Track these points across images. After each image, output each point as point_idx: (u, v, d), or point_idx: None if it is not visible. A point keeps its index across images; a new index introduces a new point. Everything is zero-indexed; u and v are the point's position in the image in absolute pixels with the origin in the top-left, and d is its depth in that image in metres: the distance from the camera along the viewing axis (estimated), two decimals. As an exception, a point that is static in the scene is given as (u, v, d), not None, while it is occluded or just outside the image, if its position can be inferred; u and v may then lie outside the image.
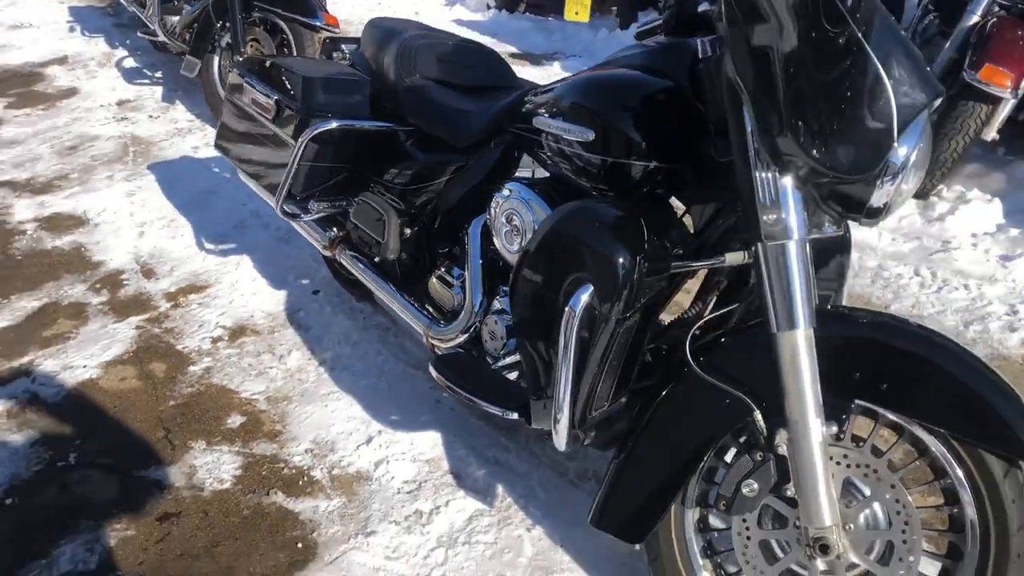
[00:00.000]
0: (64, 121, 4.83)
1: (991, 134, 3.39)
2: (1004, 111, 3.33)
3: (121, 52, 6.10)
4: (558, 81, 1.93)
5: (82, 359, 2.71)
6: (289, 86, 2.38)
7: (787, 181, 1.42)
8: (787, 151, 1.36)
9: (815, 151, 1.36)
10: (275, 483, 2.21)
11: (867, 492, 1.51)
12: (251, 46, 4.27)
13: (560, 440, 1.63)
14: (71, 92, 5.34)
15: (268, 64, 2.51)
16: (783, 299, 1.43)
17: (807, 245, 1.46)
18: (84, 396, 2.54)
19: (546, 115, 1.82)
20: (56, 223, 3.63)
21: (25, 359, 2.71)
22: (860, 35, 1.34)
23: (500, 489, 2.16)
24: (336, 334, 2.82)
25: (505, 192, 1.94)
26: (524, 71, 5.47)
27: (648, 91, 1.69)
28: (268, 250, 3.31)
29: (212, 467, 2.26)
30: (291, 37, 4.23)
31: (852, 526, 1.51)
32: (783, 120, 1.34)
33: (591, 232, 1.60)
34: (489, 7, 6.69)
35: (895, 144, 1.37)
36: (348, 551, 2.00)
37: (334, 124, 2.29)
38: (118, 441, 2.35)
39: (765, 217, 1.43)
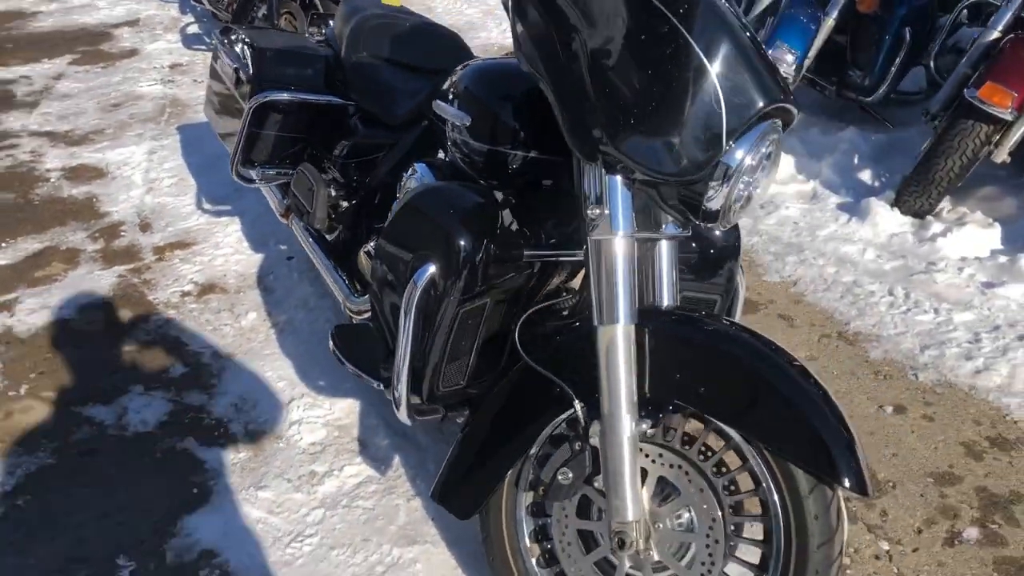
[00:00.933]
0: (117, 79, 5.11)
1: (1002, 156, 3.24)
2: (1017, 133, 3.18)
3: (188, 18, 6.39)
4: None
5: (60, 300, 2.90)
6: (247, 56, 2.49)
7: (616, 178, 1.43)
8: (603, 149, 1.37)
9: (631, 150, 1.36)
10: (193, 431, 2.33)
11: (680, 493, 1.52)
12: (285, 18, 4.42)
13: (399, 411, 1.69)
14: (132, 53, 5.63)
15: (237, 33, 2.63)
16: (605, 293, 1.44)
17: (635, 243, 1.47)
18: (50, 334, 2.73)
19: (443, 99, 1.87)
20: (78, 173, 3.87)
21: (11, 295, 2.92)
22: (682, 28, 1.33)
23: (396, 460, 2.23)
24: (296, 299, 2.93)
25: (410, 171, 1.99)
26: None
27: (529, 81, 1.71)
28: (257, 215, 3.44)
29: (142, 410, 2.40)
30: (322, 11, 4.37)
31: (661, 525, 1.52)
32: (590, 115, 1.35)
33: (439, 212, 1.64)
34: None
35: (724, 147, 1.36)
36: (237, 502, 2.10)
37: (280, 96, 2.39)
38: (67, 379, 2.52)
39: (590, 212, 1.45)
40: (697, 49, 1.33)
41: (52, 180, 3.80)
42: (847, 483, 1.34)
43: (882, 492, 2.14)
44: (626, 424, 1.44)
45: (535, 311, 1.70)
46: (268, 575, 1.91)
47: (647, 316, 1.50)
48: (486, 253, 1.59)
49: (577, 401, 1.51)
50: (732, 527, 1.50)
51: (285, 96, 2.39)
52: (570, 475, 1.55)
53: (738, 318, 1.94)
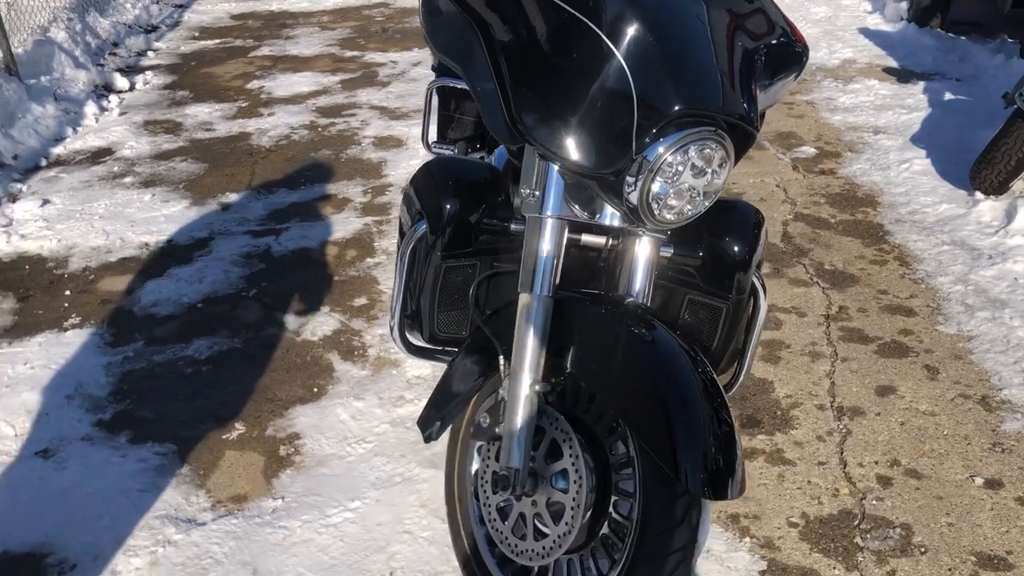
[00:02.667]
0: (459, 70, 5.92)
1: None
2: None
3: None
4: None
5: (315, 234, 3.62)
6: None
7: (550, 164, 1.59)
8: (523, 134, 1.54)
9: (546, 140, 1.52)
10: (340, 348, 2.84)
11: (561, 457, 1.64)
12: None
13: (395, 339, 1.99)
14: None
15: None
16: (530, 265, 1.62)
17: (564, 224, 1.61)
18: (296, 258, 3.44)
19: None
20: (384, 142, 4.65)
21: (284, 225, 3.72)
22: (593, 26, 1.43)
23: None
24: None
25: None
26: (878, 87, 5.18)
27: None
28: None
29: (317, 325, 2.97)
30: None
31: (544, 480, 1.65)
32: (505, 103, 1.52)
33: (440, 179, 1.90)
34: (902, 19, 6.27)
35: (633, 146, 1.47)
36: (336, 405, 2.56)
37: (448, 81, 2.76)
38: (281, 292, 3.19)
39: (524, 190, 1.63)
40: (610, 45, 1.43)
41: (363, 144, 4.62)
42: (681, 478, 1.39)
43: (907, 554, 1.95)
44: (524, 382, 1.60)
45: (493, 274, 1.89)
46: (323, 463, 2.34)
47: (568, 294, 1.64)
48: (470, 220, 1.81)
49: (502, 357, 1.70)
50: (594, 499, 1.59)
51: (449, 81, 2.76)
52: (488, 420, 1.75)
53: (756, 333, 1.92)
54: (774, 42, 1.65)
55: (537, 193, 1.60)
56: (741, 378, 2.00)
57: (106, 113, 5.09)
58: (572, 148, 1.52)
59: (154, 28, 7.00)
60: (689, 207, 1.56)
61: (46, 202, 3.91)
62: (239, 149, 4.56)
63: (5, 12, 5.05)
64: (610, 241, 1.74)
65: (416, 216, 1.93)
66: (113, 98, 5.30)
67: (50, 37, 5.52)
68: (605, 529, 1.64)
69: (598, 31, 1.45)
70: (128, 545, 2.07)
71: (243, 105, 5.22)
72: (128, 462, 2.34)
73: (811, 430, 2.38)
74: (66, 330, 2.97)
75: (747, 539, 2.04)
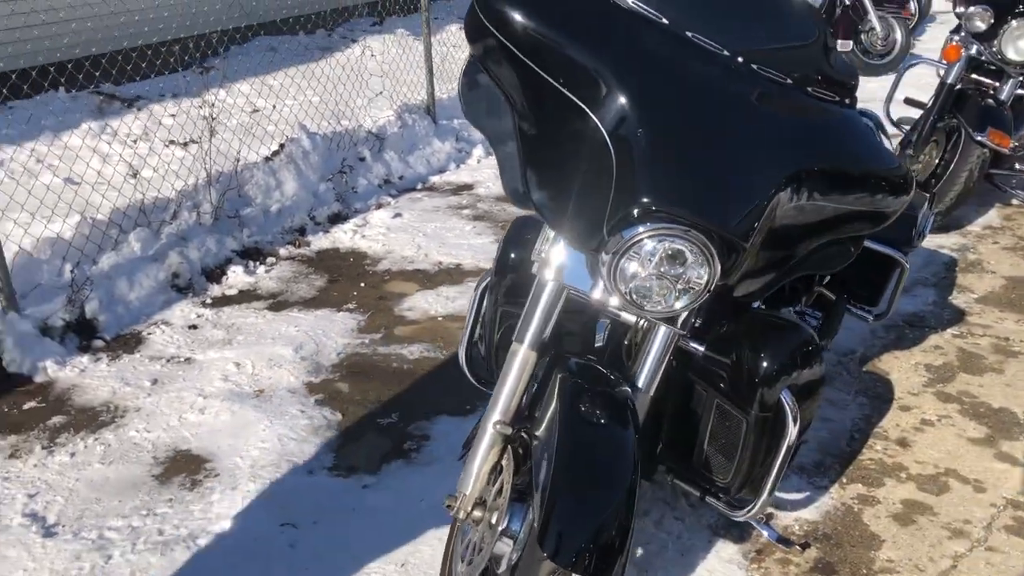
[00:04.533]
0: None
1: None
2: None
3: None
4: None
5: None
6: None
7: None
8: (528, 197, 1.72)
9: (540, 206, 1.69)
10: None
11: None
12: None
13: (463, 368, 2.25)
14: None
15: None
16: (525, 318, 1.77)
17: (564, 290, 1.73)
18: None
19: None
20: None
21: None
22: (598, 122, 1.57)
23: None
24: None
25: None
26: None
27: None
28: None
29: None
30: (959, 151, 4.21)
31: (486, 514, 1.79)
32: (518, 167, 1.71)
33: (512, 234, 2.13)
34: None
35: (602, 233, 1.58)
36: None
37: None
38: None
39: (536, 249, 1.83)
40: (602, 130, 1.55)
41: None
42: (541, 543, 1.49)
43: None
44: (491, 419, 1.77)
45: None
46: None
47: (552, 353, 1.78)
48: (530, 271, 2.00)
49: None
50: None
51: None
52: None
53: (780, 457, 1.85)
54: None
55: (542, 255, 1.77)
56: (757, 505, 1.92)
57: (490, 157, 5.98)
58: (563, 219, 1.65)
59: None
60: (672, 298, 1.58)
61: (397, 215, 4.81)
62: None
63: (438, 64, 6.22)
64: (640, 323, 1.84)
65: (493, 264, 2.20)
66: (504, 146, 6.20)
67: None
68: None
69: (596, 120, 1.57)
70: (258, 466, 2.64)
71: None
72: (302, 418, 2.92)
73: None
74: (341, 311, 3.71)
75: None
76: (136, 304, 3.65)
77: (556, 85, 1.62)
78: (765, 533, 2.21)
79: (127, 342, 3.44)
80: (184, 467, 2.68)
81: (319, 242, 4.45)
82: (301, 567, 2.26)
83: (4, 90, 5.05)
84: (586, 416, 1.64)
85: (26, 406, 3.01)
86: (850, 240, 1.89)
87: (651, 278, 1.57)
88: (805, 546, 2.29)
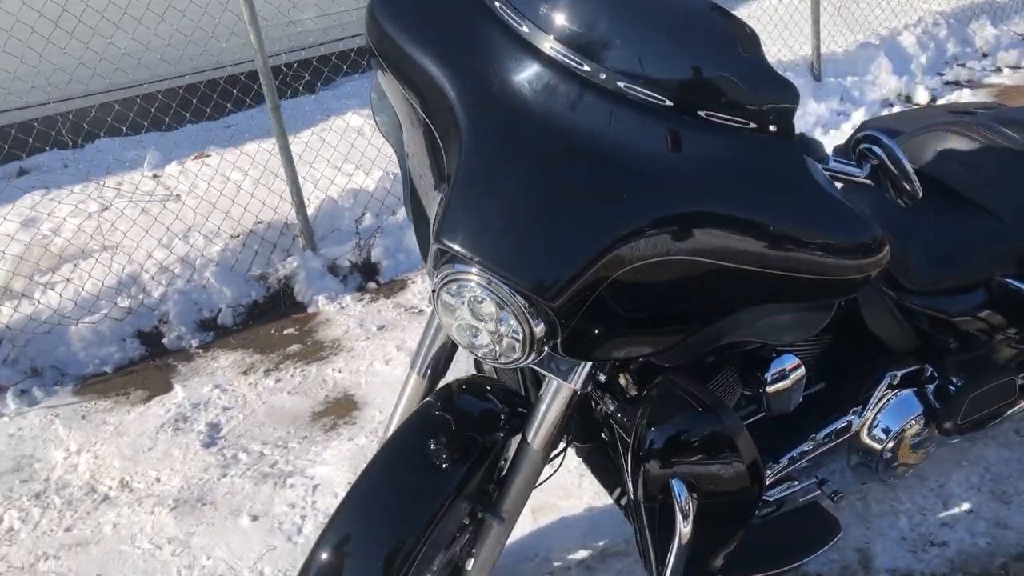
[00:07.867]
0: None
1: None
2: None
3: None
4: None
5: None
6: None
7: None
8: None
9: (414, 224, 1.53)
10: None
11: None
12: None
13: None
14: None
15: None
16: (419, 344, 1.69)
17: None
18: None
19: None
20: None
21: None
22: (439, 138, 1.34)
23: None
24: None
25: None
26: None
27: None
28: None
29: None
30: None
31: None
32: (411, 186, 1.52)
33: None
34: None
35: (425, 259, 1.41)
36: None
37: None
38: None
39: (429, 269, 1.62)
40: (443, 154, 1.33)
41: None
42: None
43: None
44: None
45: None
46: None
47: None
48: None
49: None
50: None
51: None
52: None
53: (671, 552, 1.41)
54: None
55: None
56: None
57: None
58: (424, 245, 1.50)
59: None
60: (503, 348, 1.30)
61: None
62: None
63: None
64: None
65: None
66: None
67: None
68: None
69: (439, 141, 1.35)
70: (381, 429, 2.72)
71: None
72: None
73: None
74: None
75: None
76: (417, 253, 3.96)
77: (408, 96, 1.40)
78: None
79: (392, 287, 3.77)
80: (337, 410, 2.90)
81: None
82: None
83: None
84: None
85: (286, 331, 3.51)
86: (808, 309, 1.43)
87: (462, 321, 1.32)
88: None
